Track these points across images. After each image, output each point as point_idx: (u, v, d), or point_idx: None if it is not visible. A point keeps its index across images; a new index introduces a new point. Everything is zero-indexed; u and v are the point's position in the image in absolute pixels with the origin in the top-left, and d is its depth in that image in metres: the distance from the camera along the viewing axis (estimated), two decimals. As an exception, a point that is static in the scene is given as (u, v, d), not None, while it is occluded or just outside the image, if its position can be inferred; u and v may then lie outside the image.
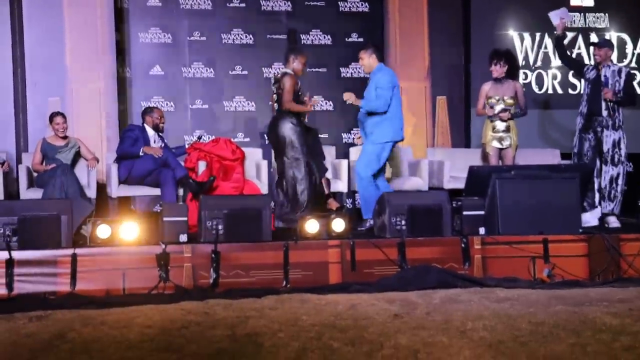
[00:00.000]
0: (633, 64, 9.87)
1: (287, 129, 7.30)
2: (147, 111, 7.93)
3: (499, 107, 7.48)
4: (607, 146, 7.14)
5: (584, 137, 7.28)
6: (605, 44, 7.45)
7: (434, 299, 5.20)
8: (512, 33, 9.83)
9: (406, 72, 9.47)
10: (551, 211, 6.37)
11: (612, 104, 7.15)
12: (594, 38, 9.76)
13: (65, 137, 7.64)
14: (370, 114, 6.98)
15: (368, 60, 7.07)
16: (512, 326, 4.36)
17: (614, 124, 7.17)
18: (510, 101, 7.49)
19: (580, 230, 6.45)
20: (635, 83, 7.51)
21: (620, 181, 7.17)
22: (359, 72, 9.62)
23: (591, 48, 7.71)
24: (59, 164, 7.38)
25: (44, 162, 7.54)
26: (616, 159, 7.13)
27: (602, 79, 7.23)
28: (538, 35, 9.85)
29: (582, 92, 7.48)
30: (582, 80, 7.40)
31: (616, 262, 6.22)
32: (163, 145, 7.78)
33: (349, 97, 7.00)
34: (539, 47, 9.89)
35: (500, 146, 7.53)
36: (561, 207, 6.41)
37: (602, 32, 9.94)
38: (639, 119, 9.04)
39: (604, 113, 7.18)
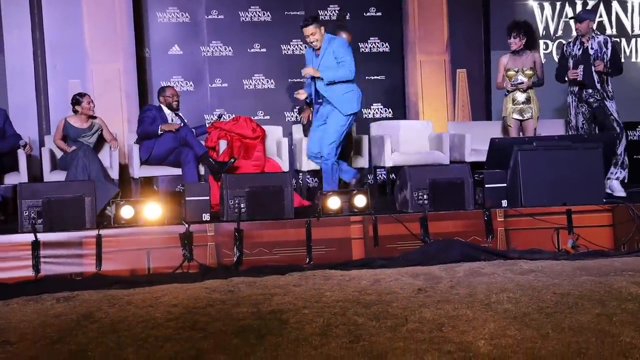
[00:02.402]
0: None
1: None
2: (160, 91, 7.97)
3: (518, 79, 7.41)
4: (613, 115, 7.09)
5: (579, 111, 7.21)
6: (585, 16, 7.34)
7: (458, 272, 5.19)
8: (532, 3, 9.74)
9: (425, 46, 9.45)
10: (574, 182, 6.33)
11: (602, 75, 7.08)
12: (615, 6, 9.64)
13: (90, 118, 7.66)
14: (332, 85, 6.87)
15: (320, 34, 6.93)
16: (536, 298, 4.34)
17: (607, 95, 7.11)
18: (530, 72, 7.43)
19: (604, 200, 6.40)
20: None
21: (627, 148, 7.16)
22: (377, 47, 9.58)
23: (571, 22, 7.58)
24: (80, 145, 7.41)
25: (67, 143, 7.58)
26: (620, 127, 7.09)
27: (591, 51, 7.14)
28: (558, 4, 9.75)
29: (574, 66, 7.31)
30: (570, 59, 7.27)
31: (641, 231, 6.18)
32: (182, 124, 7.80)
33: (308, 71, 6.94)
34: (560, 16, 9.79)
35: (521, 118, 7.47)
36: (584, 177, 6.36)
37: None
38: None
39: (598, 86, 7.11)
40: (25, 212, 5.63)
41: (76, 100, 7.58)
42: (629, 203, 6.31)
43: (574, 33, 7.52)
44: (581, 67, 7.16)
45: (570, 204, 6.18)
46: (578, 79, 7.15)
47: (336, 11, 9.54)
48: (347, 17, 9.51)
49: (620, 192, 7.04)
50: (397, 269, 5.37)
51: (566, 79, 7.30)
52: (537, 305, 4.19)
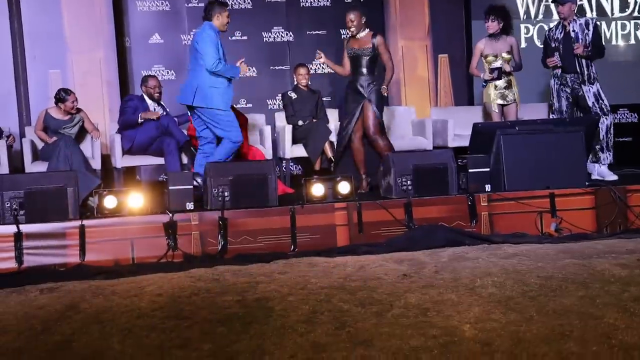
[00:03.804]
0: (636, 14, 9.84)
1: None
2: (143, 80, 7.95)
3: (497, 64, 7.41)
4: (590, 100, 7.09)
5: (562, 95, 7.23)
6: None
7: (442, 257, 5.22)
8: (513, -14, 9.73)
9: (407, 32, 9.44)
10: (557, 165, 6.36)
11: (584, 59, 7.10)
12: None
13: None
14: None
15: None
16: (520, 281, 4.37)
17: (589, 77, 7.13)
18: (507, 56, 7.43)
19: (587, 183, 6.44)
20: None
21: (612, 130, 7.15)
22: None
23: (552, 6, 7.57)
24: (61, 136, 7.36)
25: (48, 134, 7.52)
26: (605, 110, 7.10)
27: (572, 34, 7.16)
28: (539, -13, 9.75)
29: (551, 53, 7.30)
30: (552, 44, 7.28)
31: (623, 213, 6.23)
32: (164, 113, 7.77)
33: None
34: (540, 0, 9.78)
35: (504, 102, 7.47)
36: (567, 160, 6.39)
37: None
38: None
39: (577, 69, 7.13)
40: (7, 204, 5.60)
41: (61, 97, 7.51)
42: (611, 186, 6.35)
43: (556, 17, 7.52)
44: (556, 53, 7.17)
45: (553, 188, 6.21)
46: (557, 65, 7.17)
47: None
48: (328, 4, 9.47)
49: (611, 176, 7.04)
50: (381, 255, 5.39)
51: (545, 66, 7.32)
52: (522, 288, 4.22)
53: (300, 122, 8.10)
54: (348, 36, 7.20)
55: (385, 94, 7.03)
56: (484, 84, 7.51)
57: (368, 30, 7.04)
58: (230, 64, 6.63)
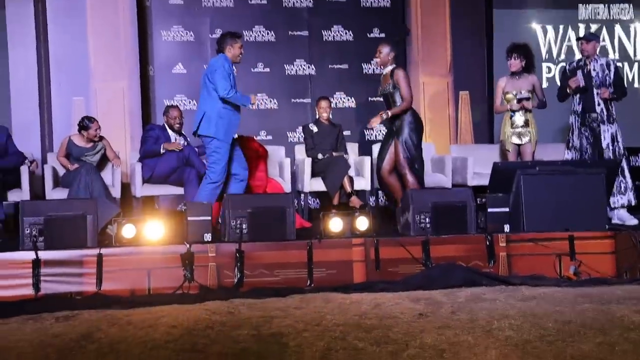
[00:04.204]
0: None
1: None
2: (165, 111, 8.01)
3: (523, 95, 7.37)
4: (606, 141, 7.07)
5: (582, 134, 7.20)
6: (592, 37, 7.36)
7: (459, 297, 5.17)
8: (535, 26, 9.77)
9: (428, 68, 9.47)
10: (577, 207, 6.32)
11: (607, 101, 7.09)
12: (618, 30, 9.68)
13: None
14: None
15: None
16: (538, 325, 4.32)
17: (609, 118, 7.11)
18: (528, 95, 7.41)
19: (607, 227, 6.39)
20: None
21: (627, 174, 7.09)
22: (381, 68, 9.61)
23: (577, 42, 7.57)
24: (83, 164, 7.42)
25: (70, 161, 7.58)
26: (618, 153, 7.06)
27: (593, 73, 7.15)
28: (561, 27, 9.79)
29: (572, 74, 7.29)
30: (579, 72, 7.26)
31: (643, 259, 6.16)
32: (185, 143, 7.81)
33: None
34: (562, 40, 9.82)
35: (519, 142, 7.41)
36: (587, 203, 6.35)
37: (627, 23, 9.84)
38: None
39: (598, 109, 7.11)
40: (27, 230, 5.63)
41: (85, 125, 7.59)
42: (632, 230, 6.29)
43: (577, 55, 7.53)
44: (579, 72, 7.15)
45: (572, 230, 6.17)
46: (580, 85, 7.12)
47: (340, 32, 9.56)
48: (351, 38, 9.54)
49: (631, 220, 6.99)
50: (398, 293, 5.35)
51: (568, 90, 7.25)
52: (539, 332, 4.17)
53: (320, 156, 8.13)
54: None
55: (370, 126, 6.96)
56: (512, 113, 7.44)
57: (393, 66, 7.03)
58: (241, 93, 6.70)
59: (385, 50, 7.01)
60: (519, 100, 7.34)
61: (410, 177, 6.88)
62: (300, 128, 8.79)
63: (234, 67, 6.70)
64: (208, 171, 6.65)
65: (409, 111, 6.93)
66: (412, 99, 6.99)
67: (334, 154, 8.17)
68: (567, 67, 7.44)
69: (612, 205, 7.03)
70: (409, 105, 6.92)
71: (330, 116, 8.40)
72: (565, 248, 6.10)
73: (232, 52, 6.68)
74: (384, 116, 6.87)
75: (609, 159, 6.99)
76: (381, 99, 7.23)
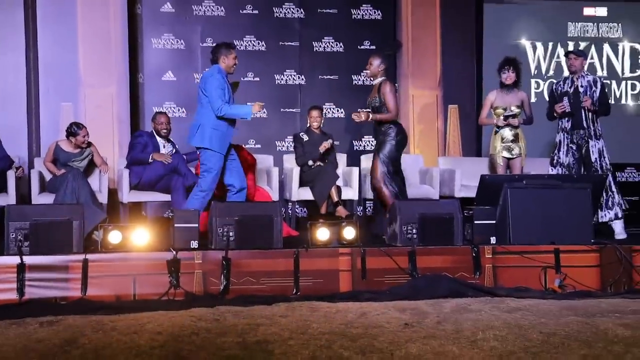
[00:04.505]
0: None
1: None
2: (153, 117, 8.01)
3: (512, 111, 7.43)
4: (594, 156, 7.13)
5: (569, 150, 7.25)
6: (581, 53, 7.44)
7: (445, 308, 5.18)
8: (525, 42, 9.84)
9: (418, 81, 9.52)
10: (563, 221, 6.35)
11: (590, 114, 7.13)
12: (607, 49, 9.76)
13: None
14: None
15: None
16: (523, 336, 4.33)
17: (595, 133, 7.17)
18: (517, 110, 7.46)
19: (592, 241, 6.42)
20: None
21: (614, 188, 7.14)
22: (370, 80, 9.64)
23: (565, 57, 7.64)
24: (70, 169, 7.40)
25: (57, 166, 7.55)
26: (605, 168, 7.12)
27: (580, 89, 7.21)
28: (550, 44, 9.87)
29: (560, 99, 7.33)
30: (558, 97, 7.31)
31: (628, 273, 6.17)
32: (174, 151, 7.81)
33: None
34: (552, 56, 9.89)
35: (509, 156, 7.48)
36: (573, 217, 6.38)
37: (615, 42, 9.93)
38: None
39: (584, 124, 7.16)
40: (12, 234, 5.59)
41: (73, 131, 7.57)
42: (617, 245, 6.33)
43: (565, 72, 7.58)
44: (565, 98, 7.21)
45: (558, 243, 6.20)
46: (566, 110, 7.19)
47: (330, 43, 9.60)
48: (342, 50, 9.57)
49: (621, 234, 7.05)
50: (384, 303, 5.35)
51: (555, 114, 7.33)
52: (524, 344, 4.18)
53: (310, 162, 8.13)
54: None
55: (356, 117, 6.93)
56: (497, 129, 7.50)
57: (382, 79, 7.04)
58: (240, 104, 6.69)
59: (375, 62, 7.03)
60: (505, 118, 7.40)
61: (385, 191, 6.90)
62: (290, 137, 8.80)
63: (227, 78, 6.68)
64: (199, 179, 6.64)
65: (395, 127, 6.95)
66: (398, 112, 7.00)
67: (321, 164, 8.18)
68: (554, 86, 7.49)
69: (600, 220, 7.08)
70: (393, 117, 6.94)
71: (322, 126, 8.42)
72: (550, 261, 6.12)
73: (226, 63, 6.68)
74: (369, 118, 6.89)
75: (596, 174, 7.03)
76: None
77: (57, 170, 7.47)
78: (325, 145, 8.09)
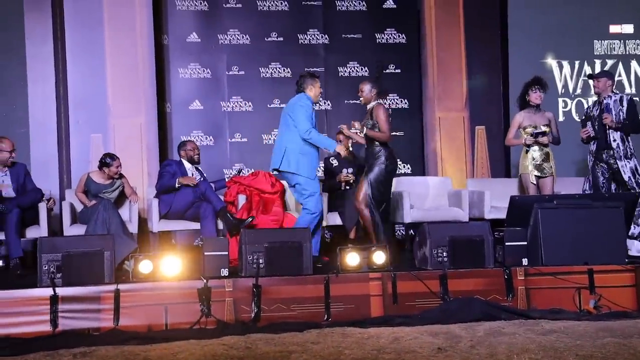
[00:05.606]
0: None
1: None
2: (181, 145, 8.06)
3: (541, 129, 7.39)
4: (627, 175, 7.06)
5: (597, 170, 7.18)
6: (603, 74, 7.40)
7: (478, 331, 5.13)
8: (551, 61, 9.80)
9: (444, 103, 9.51)
10: (596, 241, 6.27)
11: (619, 133, 7.06)
12: (634, 66, 9.68)
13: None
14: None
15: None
16: (559, 359, 4.27)
17: (626, 153, 7.09)
18: (546, 129, 7.42)
19: (627, 260, 6.33)
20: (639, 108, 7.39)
21: None
22: (396, 103, 9.65)
23: (589, 81, 7.60)
24: (101, 200, 7.46)
25: (88, 197, 7.62)
26: (638, 185, 7.03)
27: (604, 106, 7.16)
28: (577, 63, 9.80)
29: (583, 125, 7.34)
30: (588, 123, 7.27)
31: (664, 292, 6.09)
32: (202, 178, 7.85)
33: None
34: (579, 75, 9.83)
35: (540, 174, 7.44)
36: (606, 236, 6.30)
37: (643, 59, 9.86)
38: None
39: (614, 144, 7.09)
40: (45, 266, 5.64)
41: (106, 162, 7.61)
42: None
43: (593, 92, 7.54)
44: (589, 123, 7.18)
45: (591, 264, 6.12)
46: (591, 135, 7.15)
47: (355, 68, 9.63)
48: (367, 74, 9.60)
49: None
50: (416, 327, 5.32)
51: (582, 140, 7.31)
52: (560, 367, 4.13)
53: (344, 171, 8.14)
54: None
55: (348, 125, 6.92)
56: (527, 149, 7.46)
57: (376, 103, 6.93)
58: (325, 136, 6.76)
59: (366, 88, 6.97)
60: (535, 135, 7.37)
61: (366, 213, 6.84)
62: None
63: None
64: (305, 204, 6.76)
65: (385, 151, 6.86)
66: (390, 134, 6.88)
67: (349, 187, 8.15)
68: (586, 110, 7.50)
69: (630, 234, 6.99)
70: (386, 138, 6.80)
71: (351, 148, 8.39)
72: (584, 281, 6.04)
73: (313, 92, 6.84)
74: (361, 131, 6.82)
75: (628, 192, 6.95)
76: None
77: (88, 201, 7.53)
78: (342, 177, 8.08)
